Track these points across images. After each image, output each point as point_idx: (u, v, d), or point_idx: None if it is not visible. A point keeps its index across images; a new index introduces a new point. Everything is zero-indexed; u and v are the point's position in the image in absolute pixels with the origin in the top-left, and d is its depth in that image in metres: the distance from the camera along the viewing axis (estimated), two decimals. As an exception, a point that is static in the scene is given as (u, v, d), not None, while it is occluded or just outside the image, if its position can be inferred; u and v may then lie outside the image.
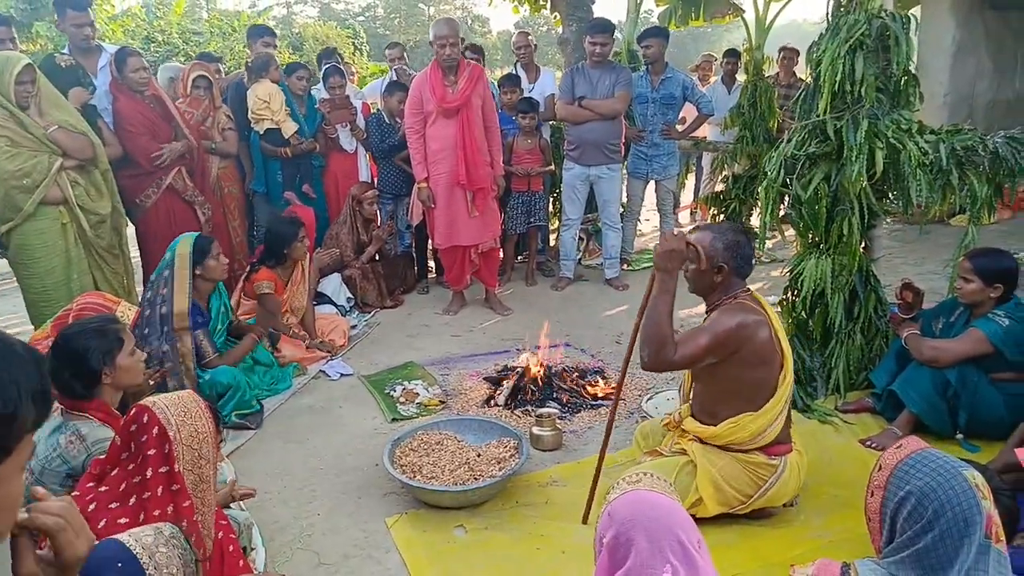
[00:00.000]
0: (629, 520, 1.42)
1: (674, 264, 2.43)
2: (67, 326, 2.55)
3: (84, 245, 3.93)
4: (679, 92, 5.69)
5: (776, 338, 2.54)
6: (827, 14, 3.59)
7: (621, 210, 5.86)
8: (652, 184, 6.04)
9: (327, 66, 5.60)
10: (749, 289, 2.62)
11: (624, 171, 5.85)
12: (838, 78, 3.32)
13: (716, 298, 2.61)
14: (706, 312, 2.68)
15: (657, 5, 8.08)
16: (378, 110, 5.51)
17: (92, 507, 1.86)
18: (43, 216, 3.78)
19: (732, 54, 7.29)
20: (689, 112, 6.15)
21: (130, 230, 4.50)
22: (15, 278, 3.98)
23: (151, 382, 2.92)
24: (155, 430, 1.87)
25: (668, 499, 1.50)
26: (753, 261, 2.65)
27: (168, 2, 16.94)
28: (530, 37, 6.24)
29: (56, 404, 2.35)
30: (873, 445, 3.13)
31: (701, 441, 2.63)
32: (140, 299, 3.87)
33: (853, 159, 3.28)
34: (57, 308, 3.39)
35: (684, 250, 2.45)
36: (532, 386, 3.66)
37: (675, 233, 2.48)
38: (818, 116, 3.44)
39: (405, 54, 6.46)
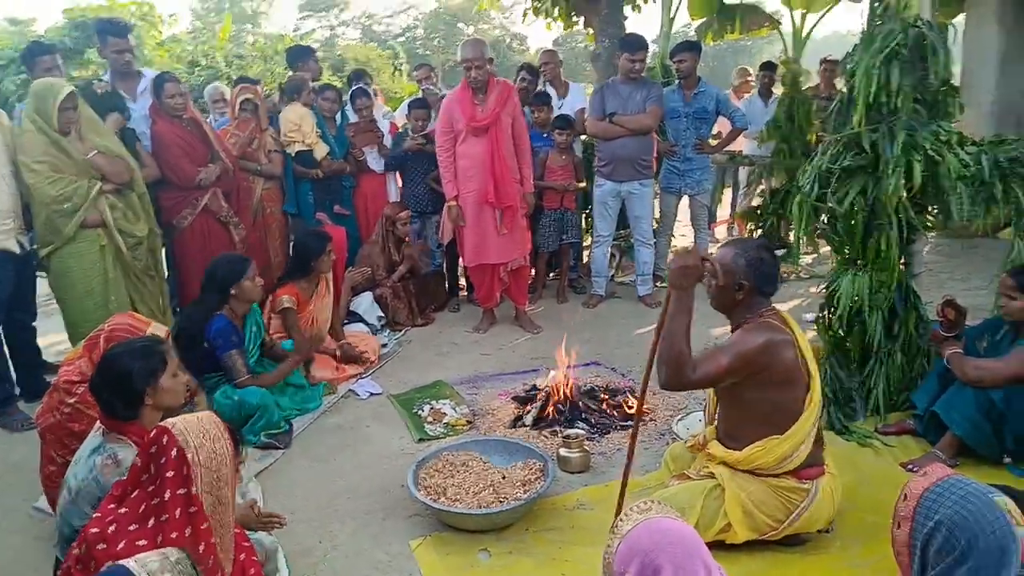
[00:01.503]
0: (653, 549, 1.41)
1: (688, 281, 2.38)
2: (112, 346, 2.57)
3: (122, 267, 4.02)
4: (712, 106, 5.63)
5: (802, 359, 2.46)
6: (862, 24, 3.51)
7: (654, 226, 5.79)
8: (686, 199, 5.97)
9: (354, 88, 5.68)
10: (775, 308, 2.55)
11: (657, 186, 5.79)
12: (873, 89, 3.23)
13: (740, 316, 2.54)
14: (731, 331, 2.61)
15: (692, 19, 8.04)
16: (405, 128, 5.56)
17: (112, 528, 1.87)
18: (82, 239, 3.88)
19: (768, 67, 7.19)
20: (724, 126, 6.08)
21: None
22: (55, 300, 4.08)
23: (183, 400, 2.94)
24: (174, 452, 1.88)
25: (685, 525, 1.50)
26: (778, 280, 2.57)
27: (215, 28, 17.43)
28: (555, 54, 6.25)
29: (98, 424, 2.39)
30: (915, 469, 3.00)
31: (729, 466, 2.56)
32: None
33: (890, 172, 3.19)
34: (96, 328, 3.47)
35: (699, 267, 2.40)
36: (560, 406, 3.61)
37: (689, 249, 2.42)
38: (853, 128, 3.35)
39: (433, 74, 6.50)
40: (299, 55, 5.97)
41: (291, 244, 5.44)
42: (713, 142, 5.97)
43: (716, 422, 2.65)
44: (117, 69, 4.69)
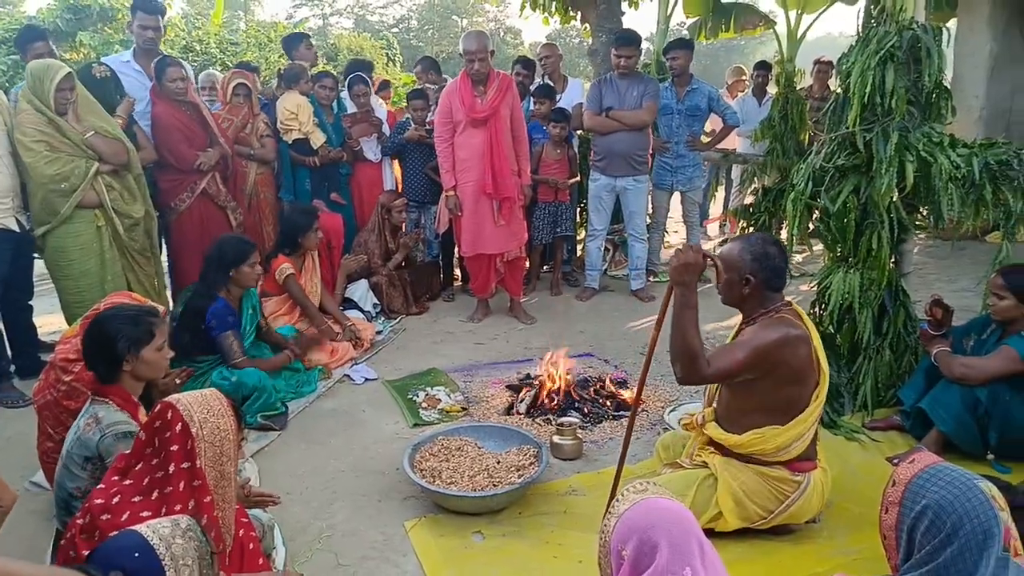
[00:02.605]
0: (651, 526, 1.44)
1: (690, 277, 2.37)
2: (107, 308, 2.59)
3: (118, 247, 4.03)
4: (704, 104, 5.71)
5: (815, 356, 2.47)
6: (858, 26, 3.56)
7: (648, 221, 5.84)
8: (677, 196, 6.02)
9: (352, 75, 5.69)
10: (790, 303, 2.55)
11: (649, 182, 5.84)
12: (868, 90, 3.29)
13: (754, 311, 2.54)
14: (742, 324, 2.62)
15: (687, 17, 8.06)
16: (407, 118, 5.58)
17: (116, 500, 1.90)
18: (79, 219, 3.88)
19: (762, 66, 7.25)
20: (716, 124, 6.13)
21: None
22: (51, 279, 4.08)
23: (177, 381, 2.96)
24: (178, 426, 1.91)
25: (680, 505, 1.54)
26: (786, 274, 2.56)
27: (207, 13, 17.31)
28: (555, 48, 6.26)
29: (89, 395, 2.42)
30: (900, 463, 3.07)
31: (723, 452, 2.59)
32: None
33: (883, 172, 3.24)
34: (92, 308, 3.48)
35: (699, 262, 2.38)
36: (553, 395, 3.66)
37: (690, 245, 2.44)
38: (847, 128, 3.41)
39: (430, 72, 6.42)
40: (294, 41, 5.96)
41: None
42: (705, 139, 6.02)
43: (715, 404, 2.67)
44: (140, 45, 4.70)
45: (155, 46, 4.73)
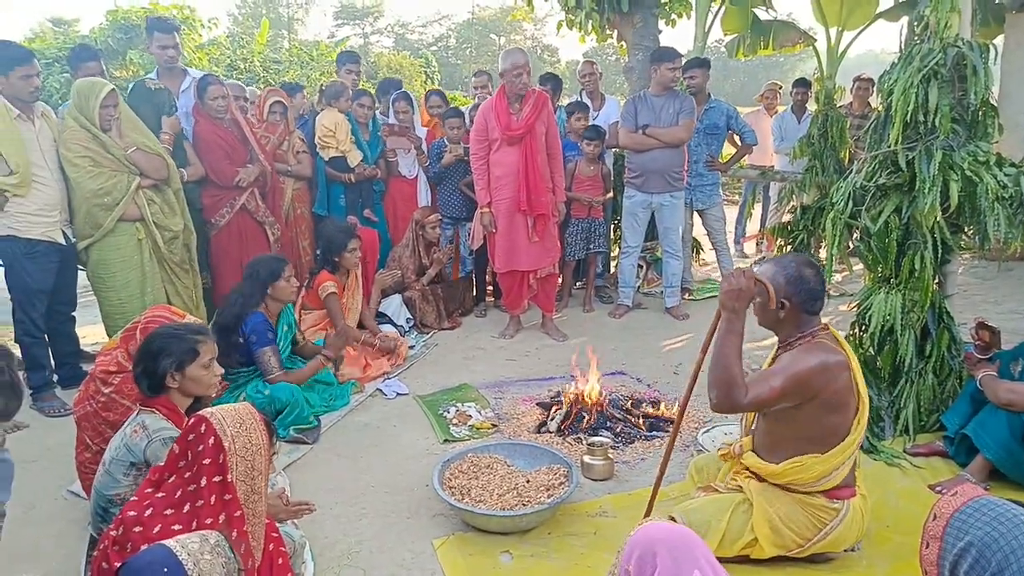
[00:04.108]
0: (650, 541, 1.50)
1: (741, 303, 2.29)
2: (155, 324, 2.65)
3: (158, 260, 4.12)
4: (723, 122, 5.70)
5: (855, 382, 2.39)
6: (900, 43, 3.50)
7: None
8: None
9: (397, 92, 5.74)
10: (827, 327, 2.48)
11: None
12: (910, 108, 3.22)
13: (790, 335, 2.46)
14: (777, 348, 2.55)
15: (725, 34, 8.01)
16: (443, 139, 5.61)
17: (148, 512, 1.92)
18: (121, 232, 3.98)
19: (802, 83, 7.17)
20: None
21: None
22: (93, 291, 4.18)
23: (211, 393, 3.00)
24: (211, 440, 1.93)
25: (686, 528, 1.58)
26: (823, 297, 2.47)
27: (252, 32, 17.74)
28: (595, 65, 6.26)
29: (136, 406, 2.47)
30: (943, 491, 2.95)
31: (759, 478, 2.53)
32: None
33: (926, 191, 3.17)
34: (131, 320, 3.55)
35: (751, 288, 2.32)
36: (585, 414, 3.62)
37: (743, 270, 2.37)
38: (889, 146, 3.34)
39: (490, 83, 6.42)
40: (346, 59, 6.07)
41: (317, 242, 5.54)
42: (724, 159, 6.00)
43: (752, 433, 2.60)
44: (161, 64, 4.82)
45: (175, 64, 4.84)
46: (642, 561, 1.44)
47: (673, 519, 2.35)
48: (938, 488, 3.00)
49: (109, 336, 4.03)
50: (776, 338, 2.57)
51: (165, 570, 1.40)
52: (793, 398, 2.33)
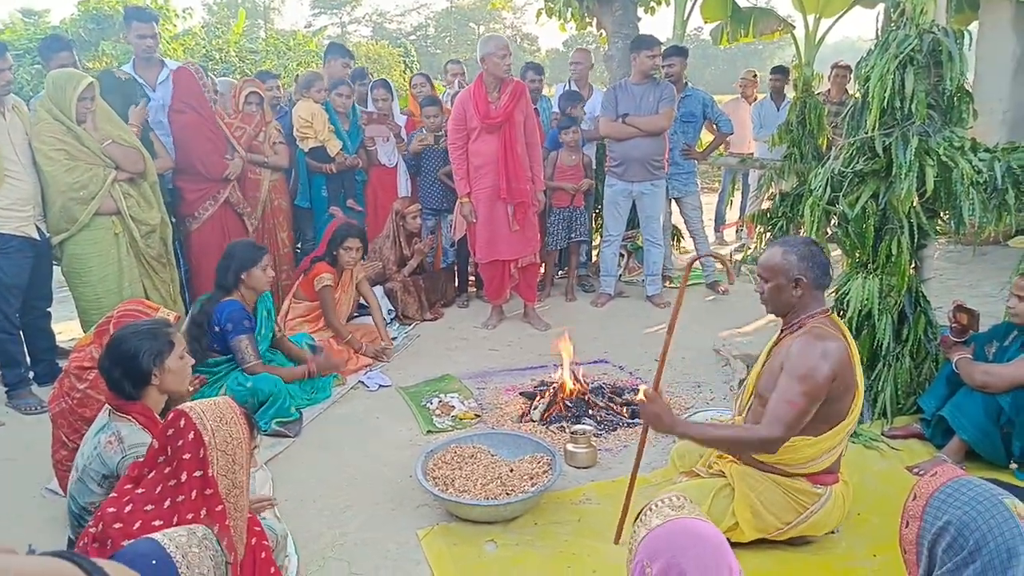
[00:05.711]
0: (680, 552, 1.40)
1: (667, 420, 2.36)
2: (121, 327, 2.60)
3: (135, 254, 4.07)
4: (699, 110, 5.72)
5: (853, 366, 2.41)
6: (876, 29, 3.52)
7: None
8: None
9: (375, 80, 5.68)
10: (827, 309, 2.49)
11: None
12: (887, 94, 3.25)
13: (796, 316, 2.47)
14: (782, 333, 2.55)
15: (706, 22, 8.04)
16: (422, 127, 5.58)
17: (128, 508, 1.90)
18: (97, 226, 3.92)
19: (780, 71, 7.20)
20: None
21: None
22: (68, 287, 4.12)
23: (189, 388, 2.97)
24: (191, 435, 1.91)
25: (715, 530, 1.48)
26: (831, 269, 2.50)
27: (227, 22, 17.49)
28: (589, 55, 6.25)
29: (106, 405, 2.42)
30: (921, 473, 3.01)
31: (741, 461, 2.55)
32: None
33: (902, 177, 3.20)
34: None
35: (664, 410, 2.36)
36: (567, 402, 3.63)
37: (646, 392, 2.39)
38: (866, 132, 3.36)
39: (464, 71, 6.44)
40: (339, 53, 5.99)
41: (299, 237, 5.50)
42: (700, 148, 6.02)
43: (744, 413, 2.62)
44: (139, 55, 4.75)
45: (153, 54, 4.77)
46: (665, 574, 1.37)
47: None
48: (916, 470, 3.05)
49: (84, 332, 3.97)
50: (759, 323, 2.58)
51: (153, 562, 1.39)
52: (817, 403, 2.33)
